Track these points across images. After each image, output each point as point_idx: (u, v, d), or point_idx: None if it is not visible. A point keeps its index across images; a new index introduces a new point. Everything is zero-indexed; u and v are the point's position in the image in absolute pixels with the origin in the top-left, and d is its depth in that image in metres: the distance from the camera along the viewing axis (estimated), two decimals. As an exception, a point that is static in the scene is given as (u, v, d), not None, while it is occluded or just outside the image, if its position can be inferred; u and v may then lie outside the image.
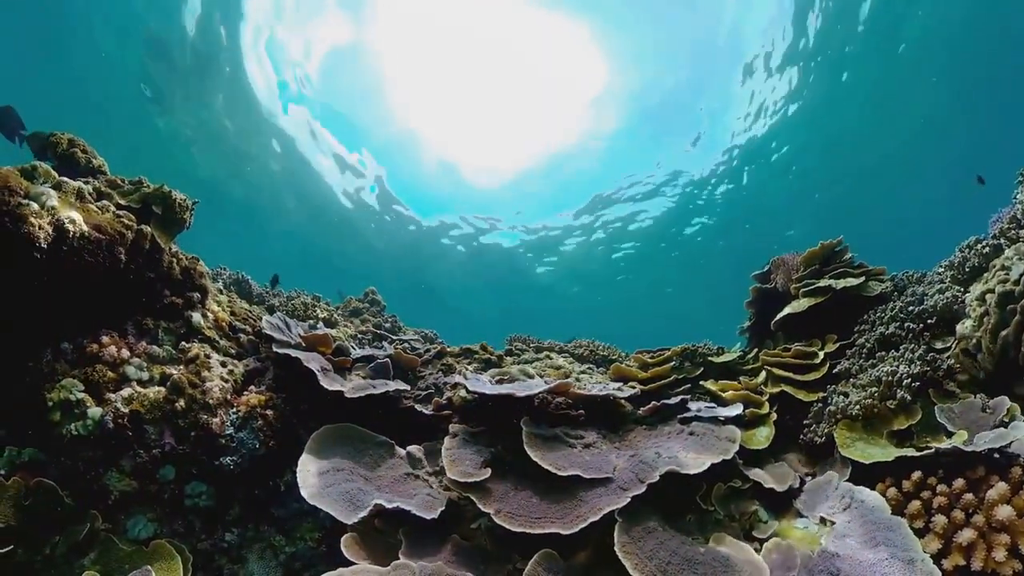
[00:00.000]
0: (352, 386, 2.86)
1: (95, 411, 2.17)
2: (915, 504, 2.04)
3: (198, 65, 12.48)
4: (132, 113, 13.71)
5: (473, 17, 12.95)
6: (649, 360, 3.24)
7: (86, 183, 2.37)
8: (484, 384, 2.98)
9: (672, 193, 18.48)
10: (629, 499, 2.24)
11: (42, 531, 1.99)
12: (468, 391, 2.93)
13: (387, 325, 4.14)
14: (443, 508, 2.40)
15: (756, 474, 2.49)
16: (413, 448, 2.81)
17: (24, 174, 2.12)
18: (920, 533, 1.97)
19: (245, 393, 2.57)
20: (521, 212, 19.78)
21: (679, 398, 2.90)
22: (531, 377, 3.26)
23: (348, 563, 2.10)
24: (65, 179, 2.26)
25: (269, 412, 2.56)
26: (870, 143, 15.46)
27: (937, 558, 1.87)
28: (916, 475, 2.10)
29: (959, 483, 1.97)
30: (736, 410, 2.70)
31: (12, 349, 2.14)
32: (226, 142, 15.05)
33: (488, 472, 2.45)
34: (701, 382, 3.07)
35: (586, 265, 22.89)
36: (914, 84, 13.42)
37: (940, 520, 1.93)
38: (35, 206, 2.03)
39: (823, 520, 2.23)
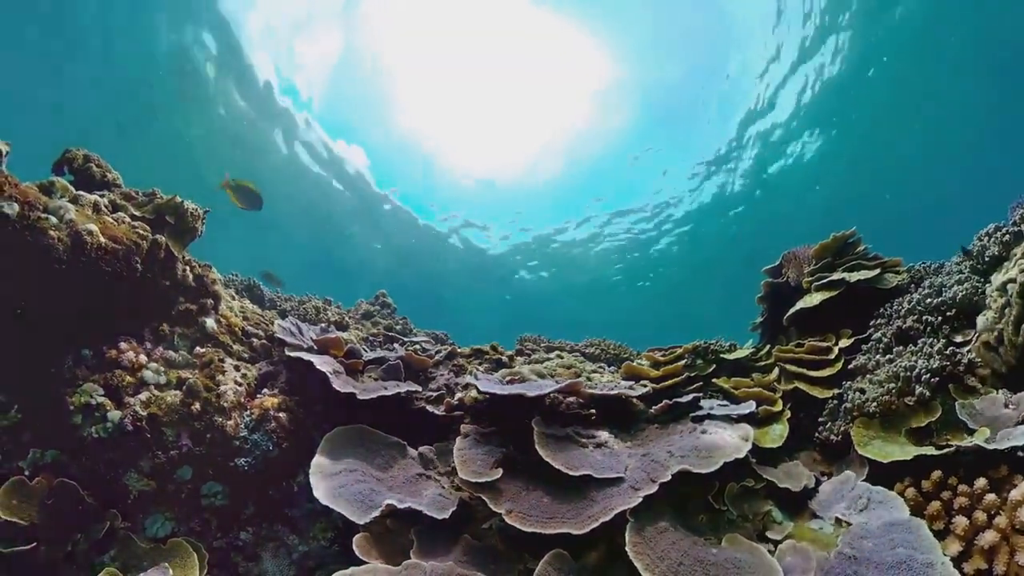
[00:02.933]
0: (364, 388, 2.90)
1: (115, 414, 2.25)
2: (935, 505, 1.97)
3: (207, 76, 12.81)
4: (144, 125, 14.11)
5: (474, 23, 12.97)
6: (661, 358, 3.20)
7: (102, 196, 2.45)
8: (495, 384, 2.98)
9: (682, 189, 18.21)
10: (641, 499, 2.22)
11: (64, 529, 2.06)
12: (479, 391, 2.94)
13: (398, 327, 4.18)
14: (455, 508, 2.41)
15: (770, 473, 2.43)
16: (425, 449, 2.83)
17: (43, 189, 2.21)
18: (940, 535, 1.91)
19: (258, 396, 2.63)
20: (528, 212, 19.72)
21: (691, 396, 2.86)
22: (542, 377, 3.26)
23: (360, 562, 2.12)
24: (82, 193, 2.34)
25: (282, 414, 2.61)
26: (886, 131, 14.91)
27: (958, 561, 1.81)
28: (936, 475, 2.03)
29: (981, 483, 1.90)
30: (749, 408, 2.65)
31: (35, 356, 2.23)
32: (236, 150, 15.37)
33: (499, 472, 2.45)
34: (713, 379, 3.02)
35: (595, 263, 22.72)
36: (930, 67, 12.91)
37: (961, 522, 1.86)
38: (54, 219, 2.12)
39: (839, 521, 2.17)
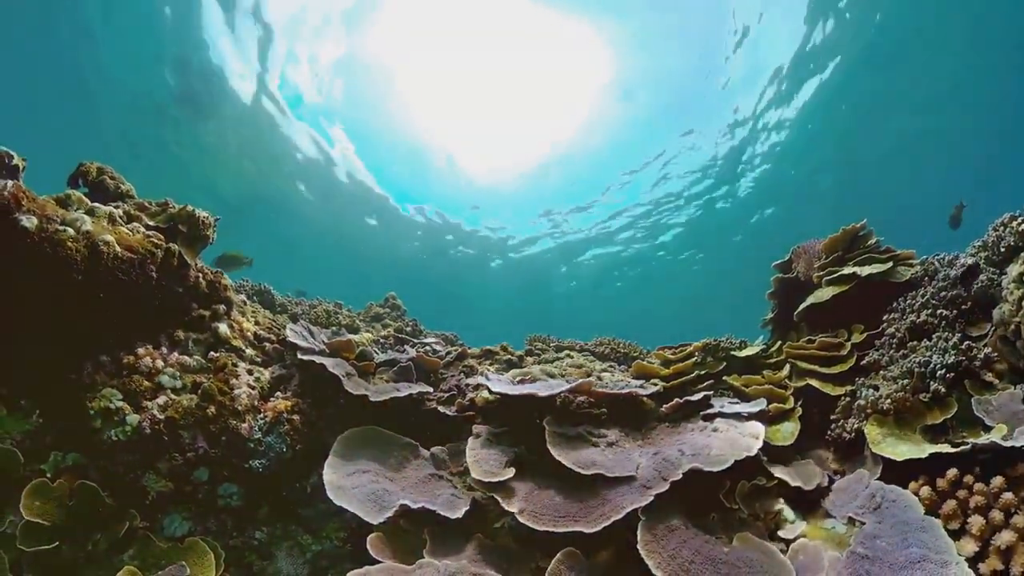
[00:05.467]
0: (376, 389, 2.93)
1: (133, 418, 2.30)
2: (950, 504, 1.94)
3: (217, 87, 13.00)
4: (157, 137, 14.36)
5: (480, 27, 12.96)
6: (671, 356, 3.18)
7: (116, 207, 2.50)
8: (506, 385, 3.00)
9: (690, 185, 17.99)
10: (652, 497, 2.22)
11: (85, 529, 2.12)
12: (491, 392, 2.95)
13: (408, 329, 4.21)
14: (467, 508, 2.43)
15: (781, 471, 2.42)
16: (437, 449, 2.85)
17: (59, 202, 2.26)
18: (955, 535, 1.88)
19: (272, 399, 2.67)
20: (534, 211, 19.66)
21: (702, 394, 2.84)
22: (552, 377, 3.26)
23: (374, 562, 2.15)
24: (97, 205, 2.39)
25: (295, 417, 2.65)
26: (895, 117, 14.50)
27: (973, 562, 1.78)
28: (951, 473, 1.99)
29: (998, 481, 1.87)
30: (759, 405, 2.63)
31: (56, 362, 2.29)
32: (246, 158, 15.54)
33: (512, 472, 2.47)
34: (724, 377, 3.00)
35: (603, 261, 22.59)
36: (939, 51, 12.52)
37: (977, 521, 1.83)
38: (71, 231, 2.16)
39: (852, 520, 2.15)
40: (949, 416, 2.16)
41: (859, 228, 3.04)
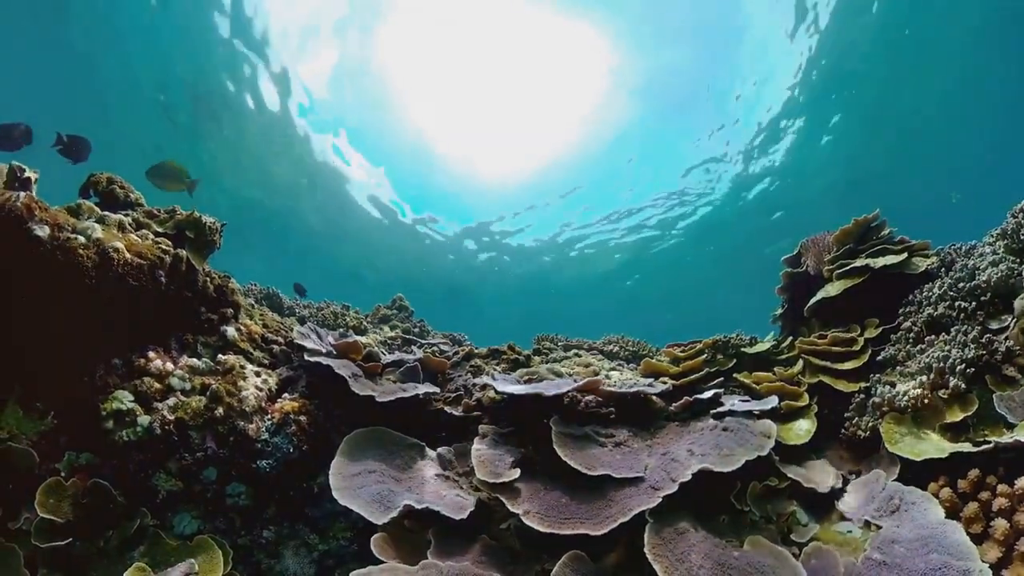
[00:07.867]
0: (382, 390, 2.94)
1: (144, 419, 2.35)
2: (972, 506, 1.85)
3: (224, 90, 13.30)
4: (164, 143, 14.74)
5: (479, 26, 12.97)
6: (680, 354, 3.12)
7: (126, 215, 2.57)
8: (512, 384, 2.97)
9: (695, 181, 17.65)
10: (660, 499, 2.18)
11: (97, 526, 2.17)
12: (497, 392, 2.94)
13: (416, 330, 4.22)
14: (472, 509, 2.41)
15: (794, 472, 2.34)
16: (443, 449, 2.84)
17: (71, 211, 2.34)
18: (978, 539, 1.79)
19: (279, 400, 2.70)
20: (541, 211, 19.54)
21: (712, 392, 2.78)
22: (560, 376, 3.23)
23: (378, 562, 2.16)
24: (107, 213, 2.46)
25: (302, 418, 2.67)
26: (903, 102, 13.87)
27: (997, 568, 1.70)
28: (973, 473, 1.90)
29: (1022, 483, 1.77)
30: (771, 403, 2.55)
31: (69, 366, 2.37)
32: (253, 163, 15.77)
33: (517, 472, 2.44)
34: (735, 375, 2.92)
35: (610, 260, 22.33)
36: (948, 31, 11.94)
37: (1001, 525, 1.75)
38: (82, 239, 2.23)
39: (868, 524, 2.07)
40: (970, 413, 2.06)
41: (872, 219, 2.92)
